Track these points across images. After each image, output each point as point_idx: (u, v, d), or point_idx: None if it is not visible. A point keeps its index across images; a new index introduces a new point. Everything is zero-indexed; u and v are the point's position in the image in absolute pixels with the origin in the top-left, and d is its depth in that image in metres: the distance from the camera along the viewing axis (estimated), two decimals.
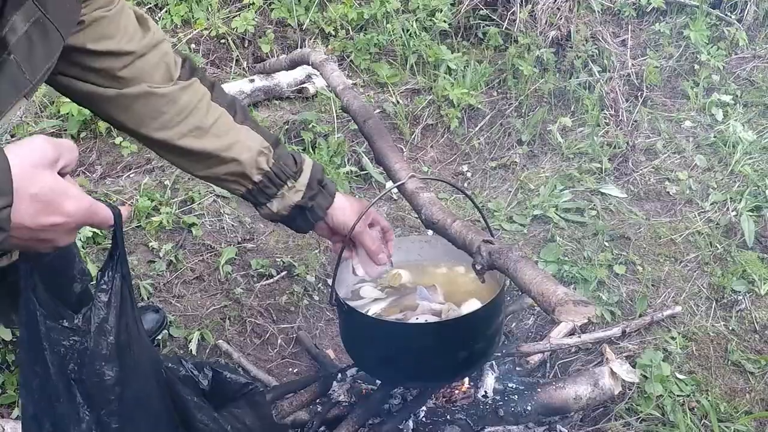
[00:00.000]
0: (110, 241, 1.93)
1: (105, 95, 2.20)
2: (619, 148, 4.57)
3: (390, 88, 4.90)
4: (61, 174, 1.62)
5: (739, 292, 3.67)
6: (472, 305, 2.70)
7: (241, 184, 2.44)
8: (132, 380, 2.09)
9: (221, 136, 2.35)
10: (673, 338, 3.44)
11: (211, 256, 3.99)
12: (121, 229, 1.90)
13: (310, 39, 5.18)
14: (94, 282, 2.29)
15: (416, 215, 2.54)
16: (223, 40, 5.13)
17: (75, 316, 1.98)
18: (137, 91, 2.21)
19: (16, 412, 3.22)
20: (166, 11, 5.26)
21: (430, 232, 2.55)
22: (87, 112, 4.47)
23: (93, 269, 3.61)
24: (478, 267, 2.14)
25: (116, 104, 2.23)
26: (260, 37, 5.16)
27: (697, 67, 5.15)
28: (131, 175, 4.49)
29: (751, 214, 4.03)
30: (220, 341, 3.55)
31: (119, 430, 2.07)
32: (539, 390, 3.03)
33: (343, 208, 2.58)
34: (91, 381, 2.00)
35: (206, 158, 2.36)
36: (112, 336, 1.99)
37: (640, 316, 3.55)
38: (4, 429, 3.08)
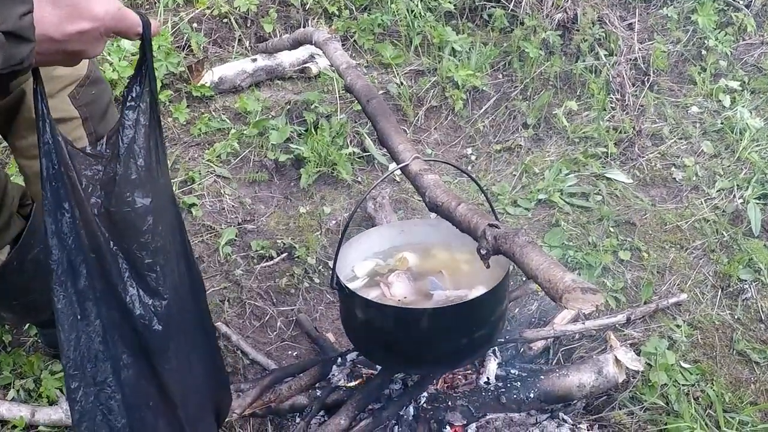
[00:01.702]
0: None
1: None
2: (625, 132, 4.52)
3: (394, 69, 4.84)
4: None
5: (746, 280, 3.63)
6: (475, 291, 2.66)
7: None
8: (161, 208, 1.94)
9: None
10: (678, 326, 3.41)
11: (210, 237, 3.95)
12: (150, 41, 1.75)
13: (314, 19, 5.12)
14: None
15: (420, 198, 2.50)
16: (225, 20, 5.07)
17: (99, 143, 1.85)
18: None
19: (12, 393, 3.19)
20: None
21: (433, 215, 2.50)
22: None
23: None
24: (483, 252, 2.09)
25: None
26: (263, 17, 5.09)
27: (704, 52, 5.10)
28: None
29: (757, 201, 4.00)
30: (219, 323, 3.51)
31: (153, 267, 1.93)
32: (542, 377, 2.99)
33: None
34: (120, 212, 1.85)
35: None
36: (141, 159, 1.85)
37: (645, 303, 3.52)
38: None
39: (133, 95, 1.83)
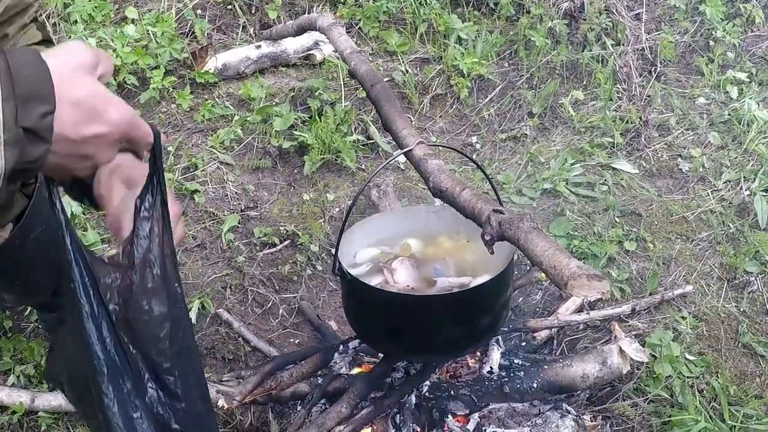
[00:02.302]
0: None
1: None
2: (631, 123, 4.49)
3: (399, 57, 4.82)
4: None
5: (752, 273, 3.61)
6: (479, 278, 2.64)
7: None
8: (177, 314, 1.94)
9: None
10: (683, 318, 3.39)
11: (213, 223, 3.93)
12: (161, 151, 1.76)
13: (318, 6, 5.10)
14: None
15: (424, 185, 2.47)
16: (229, 6, 5.05)
17: (115, 253, 1.83)
18: None
19: (12, 379, 3.18)
20: None
21: (438, 202, 2.47)
22: None
23: (93, 235, 3.57)
24: (488, 237, 2.06)
25: None
26: (267, 3, 5.07)
27: (712, 43, 5.07)
28: None
29: (764, 194, 3.97)
30: (221, 310, 3.49)
31: (170, 371, 1.93)
32: (546, 367, 2.97)
33: None
34: (139, 320, 1.86)
35: None
36: (156, 268, 1.85)
37: (651, 294, 3.50)
38: None
39: (146, 206, 1.84)
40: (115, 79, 4.50)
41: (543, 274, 3.10)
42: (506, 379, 2.92)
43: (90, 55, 1.49)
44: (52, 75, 1.39)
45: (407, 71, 4.74)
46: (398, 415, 2.83)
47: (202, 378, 2.19)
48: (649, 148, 4.39)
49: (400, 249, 2.90)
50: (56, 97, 1.40)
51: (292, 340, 3.52)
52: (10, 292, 2.79)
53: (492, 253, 2.14)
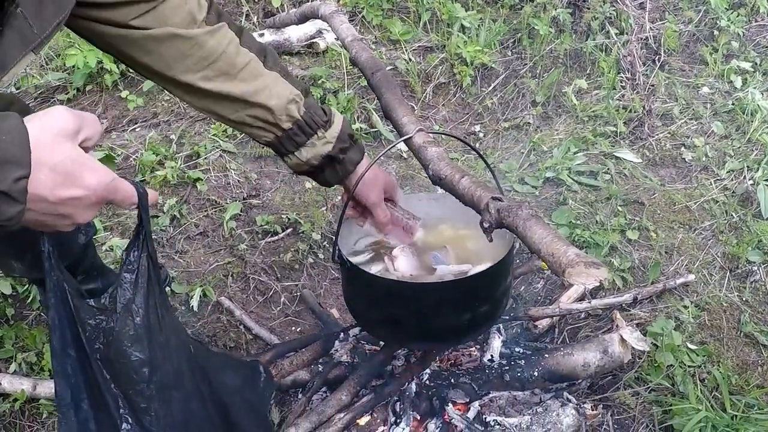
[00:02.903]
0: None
1: (129, 38, 2.15)
2: (635, 112, 4.48)
3: (402, 45, 4.81)
4: (84, 148, 1.60)
5: (754, 262, 3.60)
6: (479, 266, 2.64)
7: (269, 131, 2.43)
8: (160, 362, 2.09)
9: (249, 81, 2.33)
10: (685, 307, 3.37)
11: (215, 211, 3.93)
12: (147, 210, 1.86)
13: None
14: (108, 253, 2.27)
15: (426, 173, 2.47)
16: None
17: (102, 296, 1.99)
18: (162, 33, 2.16)
19: (13, 366, 3.19)
20: None
21: (439, 190, 2.47)
22: (93, 64, 4.40)
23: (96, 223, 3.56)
24: (486, 225, 2.06)
25: (141, 47, 2.18)
26: None
27: (716, 32, 5.06)
28: (137, 129, 4.43)
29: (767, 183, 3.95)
30: (222, 298, 3.50)
31: (147, 411, 2.07)
32: (546, 356, 2.97)
33: (371, 179, 2.62)
34: (118, 361, 2.01)
35: (233, 102, 2.34)
36: (139, 317, 2.00)
37: (653, 283, 3.49)
38: (0, 383, 3.05)
39: (131, 259, 1.97)
40: (118, 67, 4.50)
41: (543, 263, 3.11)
42: (507, 368, 2.92)
43: (72, 121, 1.57)
44: (32, 140, 1.48)
45: (410, 60, 4.73)
46: (398, 403, 2.83)
47: (207, 410, 2.36)
48: (653, 137, 4.38)
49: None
50: (33, 162, 1.48)
51: (293, 328, 3.51)
52: (20, 261, 2.81)
53: (491, 240, 2.14)
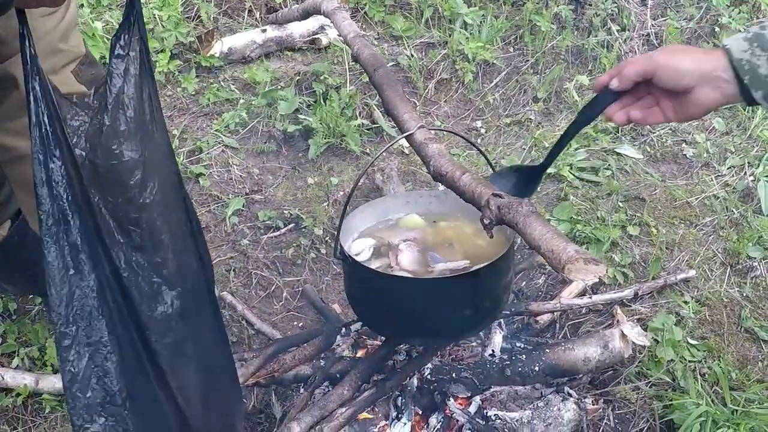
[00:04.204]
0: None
1: None
2: None
3: (404, 42, 4.81)
4: None
5: (755, 258, 3.61)
6: (479, 262, 2.65)
7: None
8: (152, 164, 1.87)
9: None
10: (686, 302, 3.39)
11: (217, 207, 3.94)
12: None
13: None
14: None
15: (427, 169, 2.47)
16: None
17: (87, 94, 1.79)
18: None
19: (16, 361, 3.21)
20: None
21: (441, 186, 2.48)
22: (97, 59, 4.40)
23: None
24: (486, 221, 2.06)
25: None
26: None
27: (717, 29, 5.05)
28: None
29: None
30: (225, 293, 3.51)
31: (137, 222, 1.87)
32: (547, 350, 2.98)
33: None
34: (107, 163, 1.79)
35: None
36: (131, 110, 1.79)
37: (653, 278, 3.50)
38: (3, 378, 3.06)
39: (122, 44, 1.78)
40: None
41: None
42: (508, 363, 2.93)
43: None
44: None
45: (412, 56, 4.73)
46: (400, 398, 2.84)
47: (193, 230, 2.13)
48: (654, 133, 4.39)
49: (406, 222, 2.92)
50: None
51: (295, 323, 3.53)
52: (11, 283, 2.81)
53: (491, 237, 2.15)
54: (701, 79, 1.78)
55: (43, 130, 1.72)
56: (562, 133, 2.07)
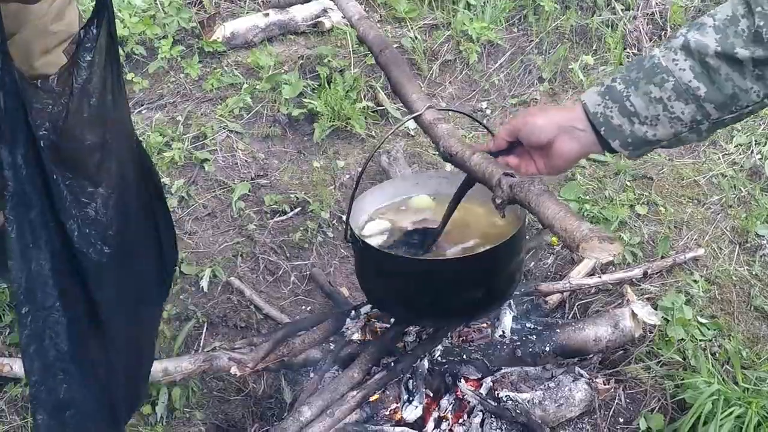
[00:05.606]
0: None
1: None
2: None
3: (408, 23, 4.80)
4: None
5: (763, 236, 3.60)
6: (489, 243, 2.63)
7: None
8: (112, 145, 2.03)
9: None
10: (695, 281, 3.37)
11: (223, 192, 3.93)
12: None
13: None
14: None
15: (434, 151, 2.46)
16: None
17: (50, 78, 1.89)
18: None
19: None
20: None
21: (448, 167, 2.46)
22: None
23: None
24: (498, 201, 2.04)
25: None
26: None
27: None
28: (143, 111, 4.42)
29: None
30: (232, 278, 3.50)
31: (92, 196, 2.01)
32: (558, 331, 2.97)
33: None
34: (69, 146, 1.92)
35: None
36: (94, 98, 1.92)
37: (662, 257, 3.48)
38: (12, 368, 3.05)
39: (90, 36, 1.88)
40: (123, 50, 4.49)
41: (554, 238, 3.10)
42: (518, 343, 2.92)
43: None
44: None
45: (416, 37, 4.72)
46: (411, 380, 2.83)
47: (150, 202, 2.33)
48: None
49: (417, 201, 2.91)
50: None
51: (303, 307, 3.52)
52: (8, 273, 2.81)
53: (503, 216, 2.12)
54: (559, 130, 1.94)
55: (12, 117, 1.83)
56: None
